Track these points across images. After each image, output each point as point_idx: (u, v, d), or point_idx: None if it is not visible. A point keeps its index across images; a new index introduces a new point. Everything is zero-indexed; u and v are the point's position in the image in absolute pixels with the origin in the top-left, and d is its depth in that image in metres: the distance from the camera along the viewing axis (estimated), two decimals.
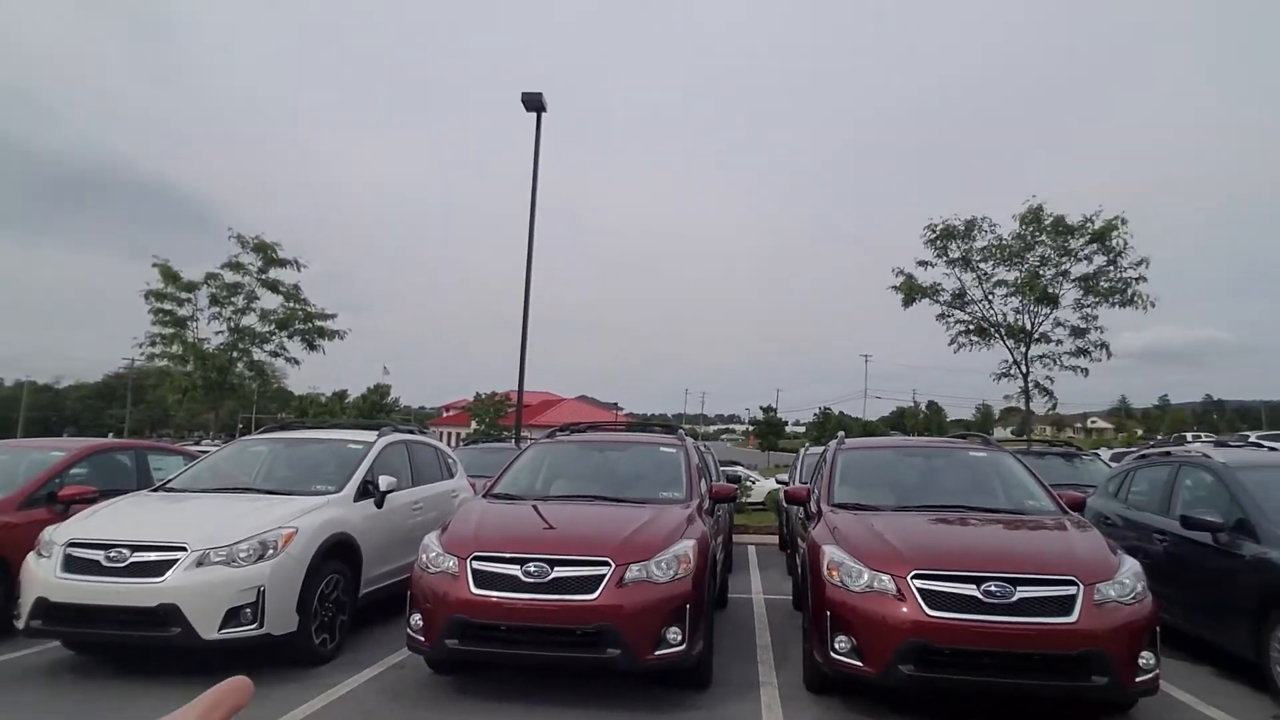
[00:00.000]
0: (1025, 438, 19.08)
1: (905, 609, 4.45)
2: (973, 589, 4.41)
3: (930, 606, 4.41)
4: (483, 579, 4.76)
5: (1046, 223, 16.84)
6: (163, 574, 4.94)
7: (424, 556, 5.06)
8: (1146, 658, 4.35)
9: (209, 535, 5.15)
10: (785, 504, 9.89)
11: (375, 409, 63.41)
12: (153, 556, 5.00)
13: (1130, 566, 4.63)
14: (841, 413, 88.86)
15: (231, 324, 17.23)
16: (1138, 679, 4.30)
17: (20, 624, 5.10)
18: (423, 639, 4.84)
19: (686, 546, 5.00)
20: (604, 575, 4.68)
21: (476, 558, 4.84)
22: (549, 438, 7.29)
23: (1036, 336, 16.77)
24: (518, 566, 4.75)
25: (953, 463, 6.53)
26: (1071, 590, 4.38)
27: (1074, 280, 16.45)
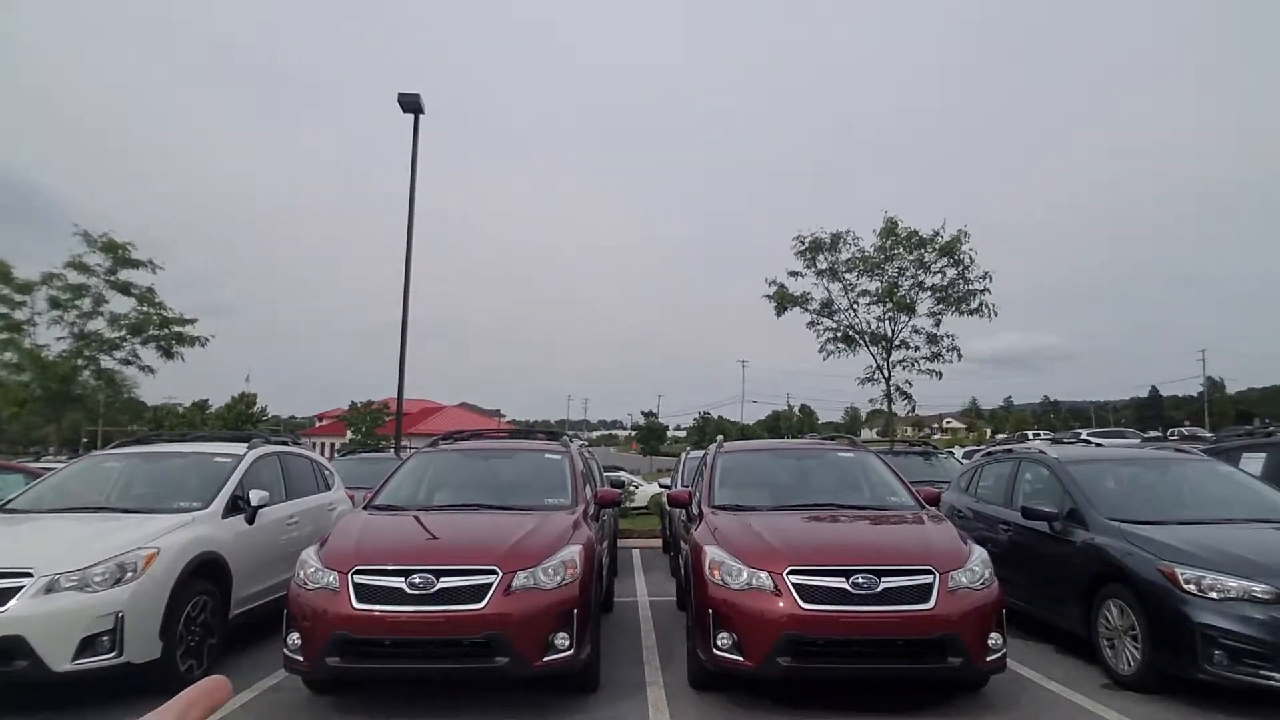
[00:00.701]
0: (888, 438, 20.36)
1: (781, 604, 4.70)
2: (843, 582, 4.72)
3: (804, 600, 4.69)
4: (365, 593, 4.66)
5: (902, 235, 18.10)
6: (4, 603, 4.54)
7: (301, 572, 4.88)
8: (995, 639, 4.79)
9: (59, 559, 4.77)
10: (668, 507, 10.12)
11: (241, 419, 59.79)
12: None
13: (979, 555, 5.08)
14: (721, 417, 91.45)
15: (76, 329, 15.81)
16: (988, 658, 4.73)
17: None
18: (301, 658, 4.68)
19: (573, 552, 5.07)
20: (491, 584, 4.69)
21: (358, 571, 4.73)
22: (431, 446, 7.18)
23: (897, 343, 17.98)
24: (402, 579, 4.68)
25: (823, 463, 6.93)
26: (929, 579, 4.77)
27: (928, 290, 17.77)
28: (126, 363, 16.71)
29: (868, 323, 18.31)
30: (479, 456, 6.94)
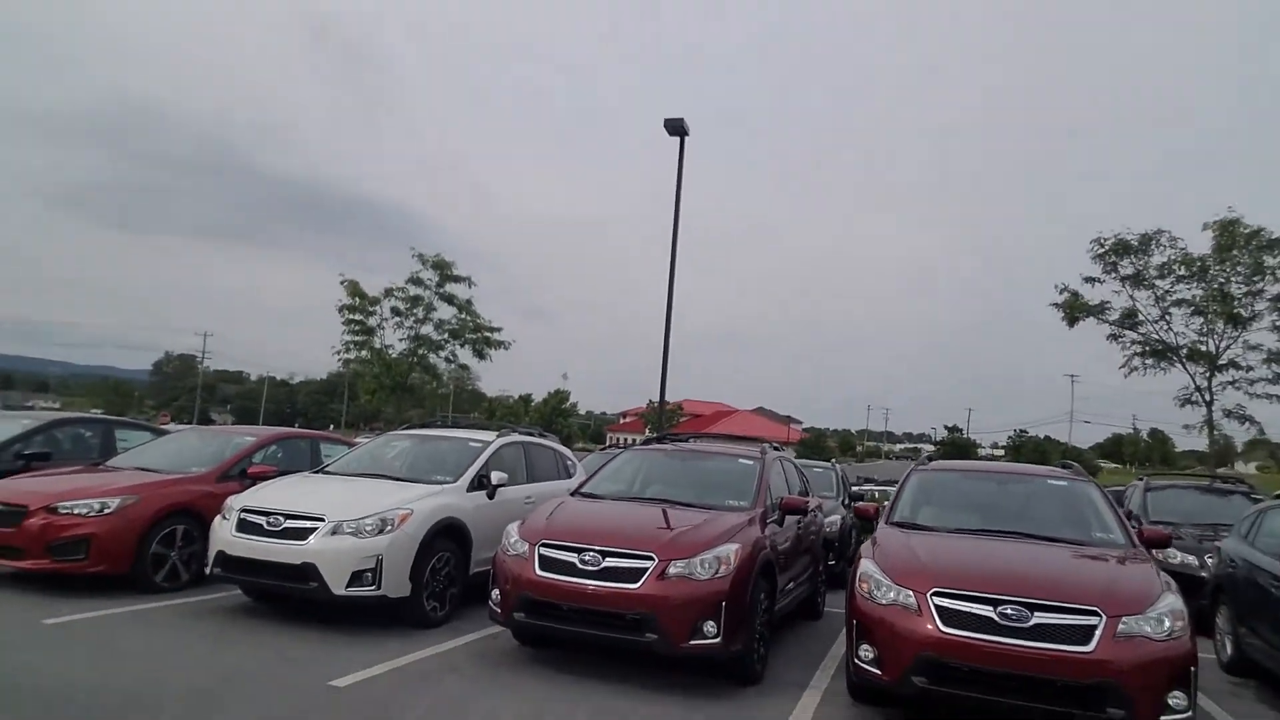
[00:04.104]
0: (1208, 472, 17.24)
1: (921, 624, 4.67)
2: (989, 610, 4.55)
3: (945, 623, 4.60)
4: (547, 563, 5.51)
5: (1242, 236, 15.24)
6: (306, 538, 6.15)
7: (505, 541, 5.90)
8: (1178, 698, 4.29)
9: (343, 510, 6.31)
10: (851, 518, 10.13)
11: (555, 413, 67.04)
12: (300, 524, 6.23)
13: (1169, 604, 4.55)
14: (1047, 436, 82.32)
15: (412, 333, 19.50)
16: (1163, 717, 4.26)
17: (208, 570, 6.53)
18: (499, 610, 5.68)
19: (730, 550, 5.46)
20: (647, 568, 5.28)
21: (544, 544, 5.61)
22: (644, 445, 7.95)
23: (1223, 362, 15.20)
24: (576, 555, 5.46)
25: (1026, 490, 6.47)
26: (1093, 620, 4.41)
27: (1270, 300, 14.77)
28: (449, 361, 20.24)
29: (1185, 336, 15.71)
30: (678, 457, 7.55)
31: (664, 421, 17.58)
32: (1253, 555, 6.81)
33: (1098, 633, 4.36)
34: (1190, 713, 4.30)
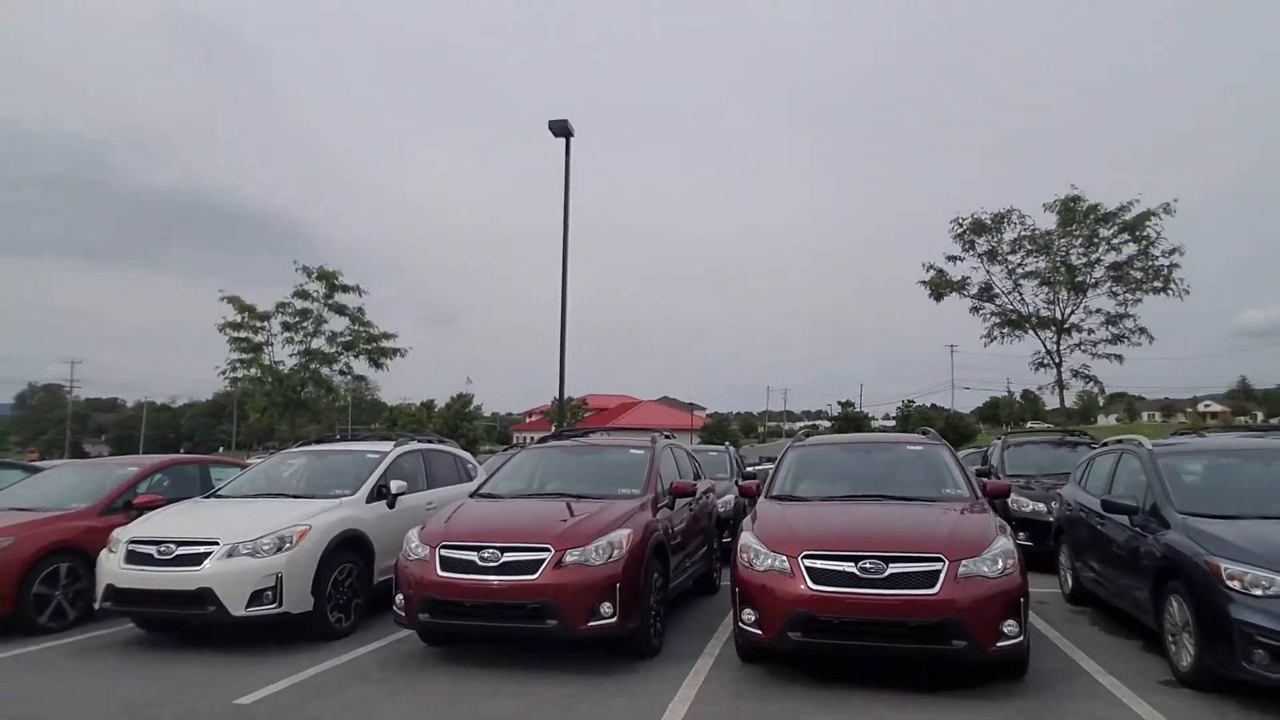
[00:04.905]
0: (1061, 428, 18.95)
1: (794, 584, 5.16)
2: (851, 566, 5.09)
3: (814, 582, 5.12)
4: (448, 564, 5.73)
5: (1081, 211, 16.79)
6: (200, 564, 6.13)
7: (406, 547, 6.07)
8: (1010, 625, 4.93)
9: (238, 532, 6.31)
10: (739, 497, 10.67)
11: (459, 417, 66.06)
12: (193, 550, 6.20)
13: (1002, 545, 5.20)
14: (933, 405, 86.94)
15: (303, 347, 19.02)
16: (999, 644, 4.88)
17: (96, 606, 6.40)
18: (403, 614, 5.85)
19: (622, 535, 5.83)
20: (544, 559, 5.58)
21: (444, 546, 5.82)
22: (540, 443, 8.23)
23: (1067, 326, 16.75)
24: (475, 553, 5.70)
25: (888, 457, 7.15)
26: (937, 566, 5.00)
27: (1106, 268, 16.38)
28: (342, 373, 19.86)
29: (1035, 306, 17.21)
30: (572, 452, 7.88)
31: (565, 418, 17.85)
32: (1083, 498, 7.72)
33: (941, 576, 4.96)
34: (1021, 638, 4.95)
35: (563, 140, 16.52)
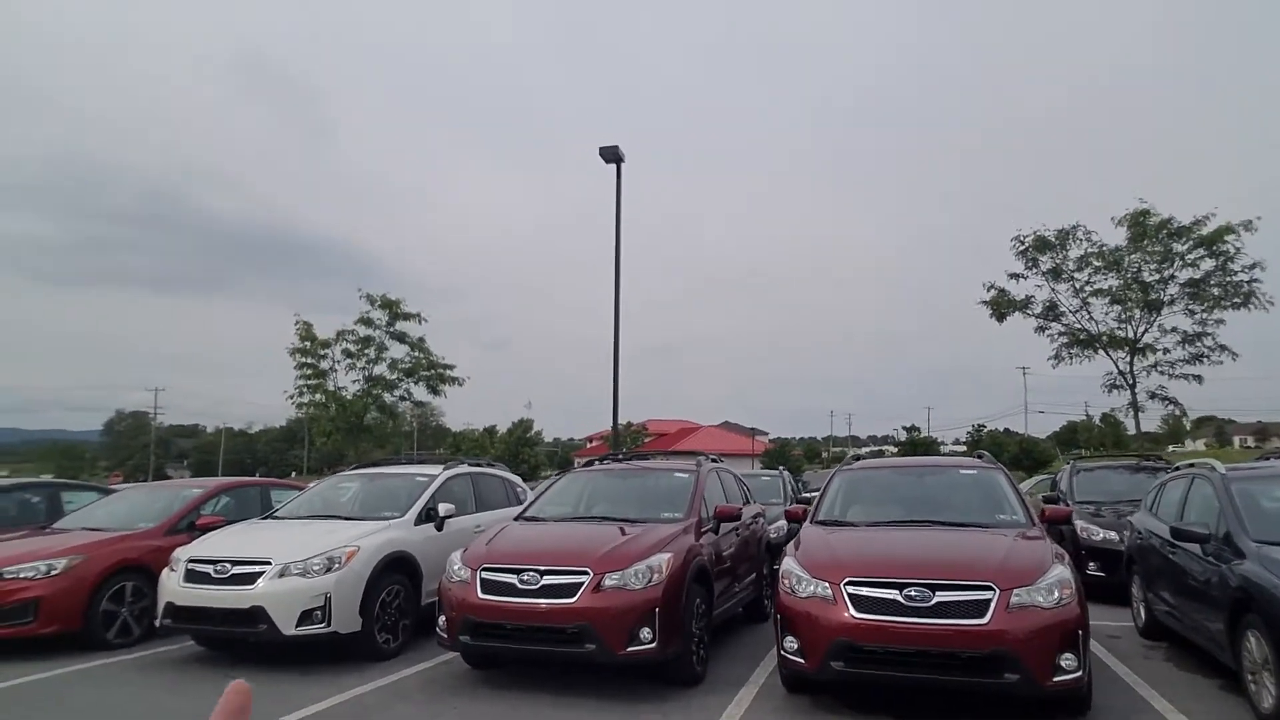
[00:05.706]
0: (1136, 453, 18.04)
1: (837, 612, 5.01)
2: (895, 594, 4.91)
3: (857, 609, 4.95)
4: (489, 586, 5.76)
5: (1152, 226, 16.11)
6: (254, 583, 6.30)
7: (449, 569, 6.13)
8: (1068, 659, 4.67)
9: (290, 552, 6.47)
10: (786, 522, 10.44)
11: (520, 442, 66.79)
12: (247, 569, 6.38)
13: (1058, 574, 4.94)
14: (1006, 429, 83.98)
15: (365, 374, 19.58)
16: (1056, 678, 4.63)
17: (157, 623, 6.64)
18: (445, 636, 5.89)
19: (662, 559, 5.77)
20: (583, 583, 5.55)
21: (485, 569, 5.85)
22: (585, 466, 8.24)
23: (1140, 346, 16.00)
24: (515, 575, 5.71)
25: (940, 481, 6.90)
26: (987, 595, 4.79)
27: (1180, 285, 15.63)
28: (402, 399, 20.32)
29: (1105, 325, 16.49)
30: (617, 475, 7.85)
31: (619, 442, 17.85)
32: (1154, 525, 7.31)
33: (992, 605, 4.74)
34: (1080, 672, 4.68)
35: (614, 165, 16.72)
